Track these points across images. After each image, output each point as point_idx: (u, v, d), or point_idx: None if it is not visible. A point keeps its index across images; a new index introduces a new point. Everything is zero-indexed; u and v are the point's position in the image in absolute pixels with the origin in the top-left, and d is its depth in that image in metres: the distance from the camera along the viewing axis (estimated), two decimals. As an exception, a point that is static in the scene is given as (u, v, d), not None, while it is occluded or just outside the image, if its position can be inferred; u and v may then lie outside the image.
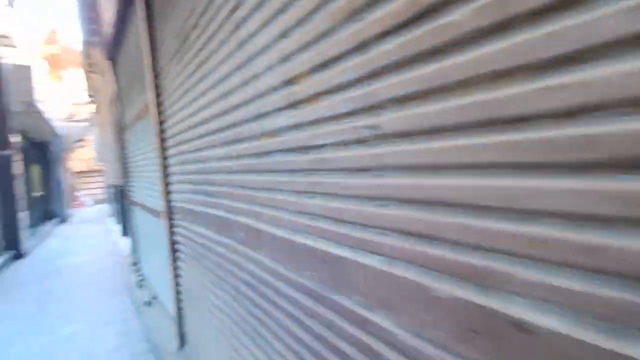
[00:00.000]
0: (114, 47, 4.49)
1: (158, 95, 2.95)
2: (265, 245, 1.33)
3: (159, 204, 3.26)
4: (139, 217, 4.83)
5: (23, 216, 6.93)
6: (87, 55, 8.76)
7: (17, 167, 6.40)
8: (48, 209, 11.96)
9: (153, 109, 2.99)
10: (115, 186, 9.08)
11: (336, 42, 0.84)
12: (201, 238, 2.25)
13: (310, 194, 1.02)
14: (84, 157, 22.18)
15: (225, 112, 1.61)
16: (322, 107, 0.92)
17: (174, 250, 3.04)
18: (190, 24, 1.85)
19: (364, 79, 0.77)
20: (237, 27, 1.32)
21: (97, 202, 21.91)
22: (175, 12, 2.11)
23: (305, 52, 0.95)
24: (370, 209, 0.79)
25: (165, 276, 3.34)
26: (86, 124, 15.33)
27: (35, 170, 11.14)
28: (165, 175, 3.11)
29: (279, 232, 1.22)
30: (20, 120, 7.75)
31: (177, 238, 2.89)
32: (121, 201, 7.18)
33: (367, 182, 0.80)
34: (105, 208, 17.46)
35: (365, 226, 0.82)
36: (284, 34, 1.04)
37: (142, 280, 4.37)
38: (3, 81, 5.79)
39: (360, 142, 0.80)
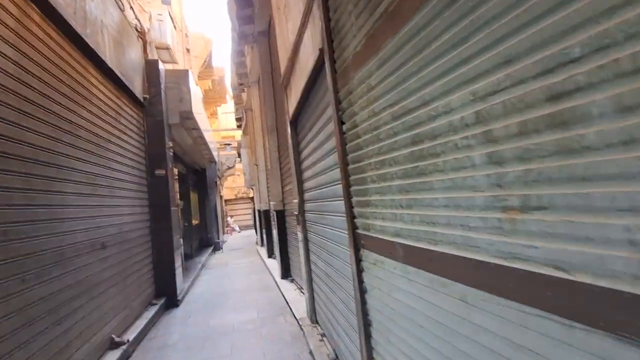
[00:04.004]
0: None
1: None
2: None
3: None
4: (320, 252, 3.59)
5: (180, 251, 6.92)
6: (239, 76, 9.03)
7: (174, 190, 6.47)
8: (203, 237, 13.11)
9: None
10: (266, 211, 8.86)
11: None
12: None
13: None
14: (232, 184, 25.42)
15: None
16: None
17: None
18: None
19: None
20: None
21: (244, 228, 24.50)
22: None
23: None
24: None
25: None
26: (234, 152, 16.95)
27: (194, 198, 12.41)
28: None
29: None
30: (180, 144, 8.27)
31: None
32: (278, 228, 6.53)
33: None
34: (252, 234, 18.99)
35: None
36: None
37: None
38: (162, 88, 5.92)
39: None
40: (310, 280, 4.00)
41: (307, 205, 3.84)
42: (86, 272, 3.33)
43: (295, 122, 4.07)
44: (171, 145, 6.41)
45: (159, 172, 5.67)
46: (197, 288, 6.95)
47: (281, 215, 6.62)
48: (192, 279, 7.46)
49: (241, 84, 9.81)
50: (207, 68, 15.32)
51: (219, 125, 20.01)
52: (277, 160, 6.71)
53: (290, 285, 5.98)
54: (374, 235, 1.80)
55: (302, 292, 5.33)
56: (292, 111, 3.89)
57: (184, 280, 6.78)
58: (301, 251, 4.20)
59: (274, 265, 7.82)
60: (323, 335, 3.55)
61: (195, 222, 12.42)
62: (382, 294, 1.77)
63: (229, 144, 14.35)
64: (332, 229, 2.75)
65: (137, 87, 5.35)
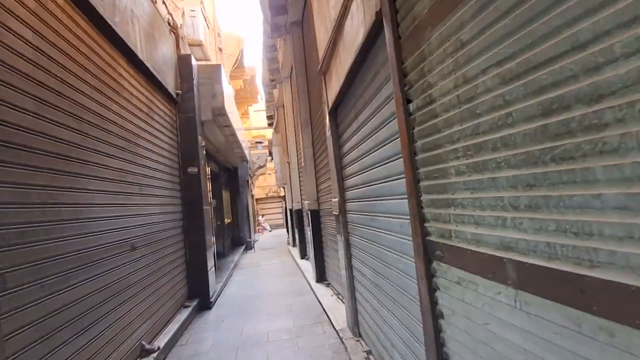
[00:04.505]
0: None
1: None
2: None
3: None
4: (366, 258, 3.22)
5: (212, 251, 6.74)
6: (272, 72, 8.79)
7: (208, 189, 6.28)
8: (235, 236, 13.06)
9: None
10: (299, 211, 8.55)
11: None
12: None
13: None
14: (263, 183, 25.49)
15: None
16: None
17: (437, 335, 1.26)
18: None
19: None
20: None
21: (274, 227, 24.46)
22: None
23: None
24: None
25: None
26: (265, 150, 16.85)
27: (226, 197, 12.37)
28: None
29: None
30: (213, 142, 8.13)
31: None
32: (312, 228, 6.17)
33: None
34: (283, 234, 18.84)
35: None
36: None
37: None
38: (195, 84, 5.72)
39: None
40: (352, 289, 3.58)
41: (350, 205, 3.42)
42: (114, 276, 3.11)
43: (335, 111, 3.66)
44: (204, 142, 6.22)
45: (192, 169, 5.47)
46: (230, 289, 6.73)
47: (316, 215, 6.25)
48: (225, 279, 7.27)
49: (273, 80, 9.55)
50: (238, 67, 15.30)
51: (250, 124, 20.04)
52: (312, 157, 6.34)
53: (326, 290, 5.59)
54: (458, 245, 1.36)
55: (339, 298, 4.92)
56: (332, 100, 3.48)
57: (216, 281, 6.59)
58: (341, 255, 3.79)
59: (308, 267, 7.47)
60: (369, 352, 3.12)
61: (227, 220, 12.37)
62: (470, 325, 1.33)
63: (260, 142, 14.21)
64: (386, 233, 2.32)
65: (169, 82, 5.17)
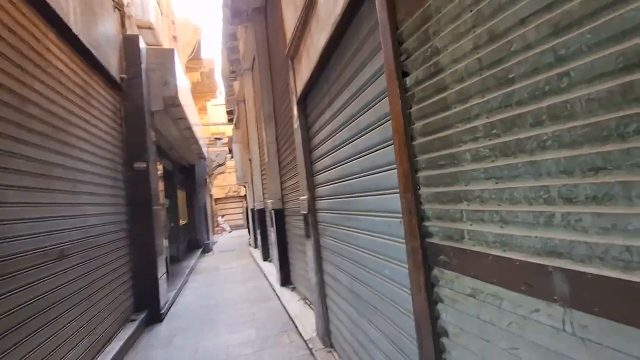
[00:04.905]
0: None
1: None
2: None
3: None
4: (341, 262, 2.91)
5: (164, 256, 6.13)
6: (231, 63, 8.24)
7: (159, 187, 5.66)
8: (192, 239, 12.27)
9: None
10: (261, 211, 8.08)
11: None
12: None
13: None
14: (222, 183, 24.46)
15: None
16: None
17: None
18: None
19: None
20: None
21: (234, 228, 23.57)
22: None
23: None
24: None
25: None
26: (225, 147, 16.10)
27: (182, 196, 11.56)
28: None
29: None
30: (166, 137, 7.45)
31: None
32: (276, 229, 5.76)
33: None
34: (244, 235, 18.12)
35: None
36: None
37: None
38: (143, 69, 5.08)
39: None
40: (323, 295, 3.27)
41: (321, 203, 3.11)
42: (37, 290, 2.54)
43: (304, 101, 3.33)
44: (154, 136, 5.60)
45: (139, 165, 4.86)
46: (185, 297, 6.14)
47: (280, 214, 5.87)
48: (179, 287, 6.65)
49: (233, 72, 9.01)
50: (195, 59, 14.40)
51: (209, 120, 19.06)
52: (276, 153, 5.96)
53: (292, 294, 5.24)
54: (473, 248, 1.09)
55: (307, 304, 4.60)
56: (302, 87, 3.15)
57: (169, 289, 5.98)
58: (310, 258, 3.47)
59: (271, 270, 7.06)
60: (343, 365, 2.83)
61: (182, 222, 11.56)
62: (488, 349, 1.06)
63: (219, 139, 13.47)
64: (366, 234, 2.03)
65: (112, 64, 4.53)
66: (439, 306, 1.30)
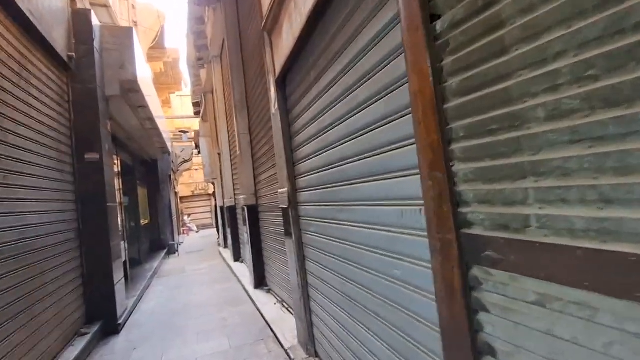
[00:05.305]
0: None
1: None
2: None
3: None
4: (329, 261, 2.57)
5: (122, 259, 5.54)
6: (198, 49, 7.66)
7: (116, 182, 5.07)
8: (155, 239, 11.49)
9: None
10: (231, 208, 7.58)
11: None
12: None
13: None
14: (189, 180, 23.36)
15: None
16: None
17: None
18: None
19: None
20: None
21: (202, 227, 22.60)
22: None
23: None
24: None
25: None
26: (191, 142, 15.31)
27: (143, 194, 10.76)
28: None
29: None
30: (124, 127, 6.79)
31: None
32: (249, 226, 5.33)
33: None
34: (212, 234, 17.32)
35: None
36: None
37: None
38: (97, 48, 4.46)
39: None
40: (306, 298, 2.94)
41: (304, 195, 2.77)
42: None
43: (284, 81, 2.97)
44: (110, 125, 4.99)
45: (91, 156, 4.27)
46: (147, 304, 5.57)
47: (254, 211, 5.46)
48: (140, 292, 6.05)
49: (200, 60, 8.42)
50: (159, 47, 13.48)
51: (174, 113, 18.04)
52: (249, 144, 5.53)
53: (267, 297, 4.86)
54: (544, 240, 0.80)
55: (285, 307, 4.24)
56: (281, 65, 2.79)
57: (128, 295, 5.39)
58: (291, 257, 3.12)
59: (244, 271, 6.62)
60: (331, 377, 2.52)
61: (144, 222, 10.76)
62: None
63: (185, 132, 12.69)
64: (366, 228, 1.72)
65: (58, 39, 3.92)
66: (481, 316, 1.01)
